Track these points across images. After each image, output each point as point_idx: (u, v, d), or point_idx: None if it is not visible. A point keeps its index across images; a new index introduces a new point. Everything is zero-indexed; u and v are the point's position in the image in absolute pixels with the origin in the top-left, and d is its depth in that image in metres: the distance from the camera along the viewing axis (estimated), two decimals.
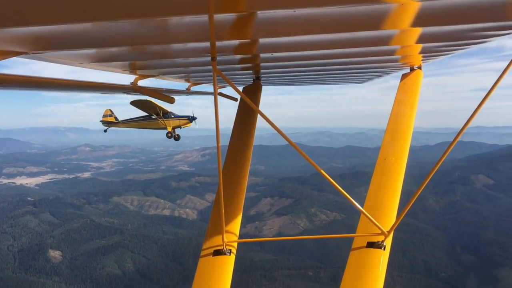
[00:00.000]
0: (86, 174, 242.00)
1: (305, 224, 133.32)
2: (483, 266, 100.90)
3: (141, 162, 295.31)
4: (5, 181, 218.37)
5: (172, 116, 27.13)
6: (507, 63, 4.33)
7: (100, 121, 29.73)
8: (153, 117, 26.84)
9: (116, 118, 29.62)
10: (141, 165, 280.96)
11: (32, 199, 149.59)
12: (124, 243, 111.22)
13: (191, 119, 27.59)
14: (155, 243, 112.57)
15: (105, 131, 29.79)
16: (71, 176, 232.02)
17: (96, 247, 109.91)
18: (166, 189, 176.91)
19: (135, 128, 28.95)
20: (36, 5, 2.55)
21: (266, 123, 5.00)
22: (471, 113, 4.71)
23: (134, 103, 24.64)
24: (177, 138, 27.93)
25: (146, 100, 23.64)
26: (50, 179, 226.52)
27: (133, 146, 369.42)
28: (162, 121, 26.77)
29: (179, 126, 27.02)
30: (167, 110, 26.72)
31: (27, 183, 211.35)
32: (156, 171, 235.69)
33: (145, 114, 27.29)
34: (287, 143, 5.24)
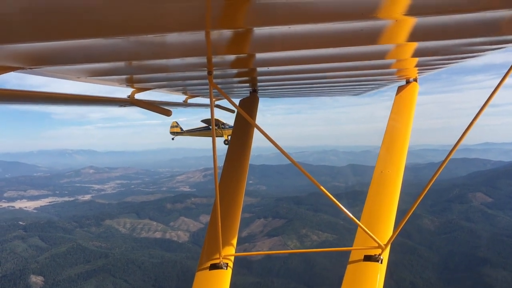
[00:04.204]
0: (87, 197, 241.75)
1: (295, 245, 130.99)
2: (472, 287, 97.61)
3: (143, 184, 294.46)
4: (5, 204, 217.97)
5: (227, 127, 31.27)
6: None
7: (170, 132, 35.65)
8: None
9: (181, 128, 35.81)
10: (143, 186, 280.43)
11: (23, 223, 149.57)
12: (107, 267, 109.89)
13: None
14: (139, 267, 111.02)
15: (172, 139, 35.82)
16: (71, 199, 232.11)
17: (79, 272, 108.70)
18: (160, 211, 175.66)
19: (196, 136, 34.48)
20: (34, 22, 2.53)
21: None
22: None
23: (205, 121, 31.64)
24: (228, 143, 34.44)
25: (216, 119, 30.79)
26: (49, 202, 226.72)
27: (137, 168, 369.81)
28: (220, 131, 31.19)
29: None
30: (223, 122, 31.55)
31: (26, 207, 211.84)
32: (156, 193, 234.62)
33: (204, 125, 32.94)
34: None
